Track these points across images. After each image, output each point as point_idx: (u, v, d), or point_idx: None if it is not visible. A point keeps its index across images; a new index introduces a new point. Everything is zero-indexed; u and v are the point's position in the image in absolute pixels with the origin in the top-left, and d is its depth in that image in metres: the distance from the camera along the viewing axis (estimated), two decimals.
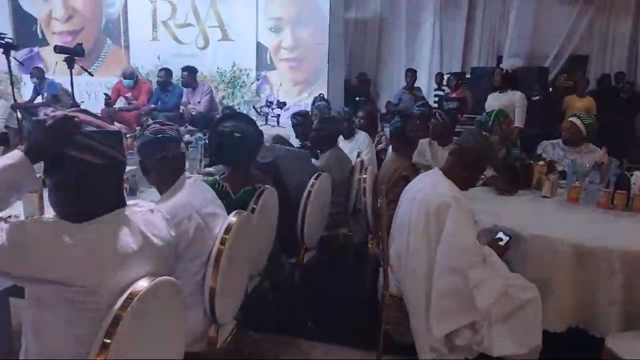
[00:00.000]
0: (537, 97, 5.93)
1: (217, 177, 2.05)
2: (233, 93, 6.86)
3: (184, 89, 5.20)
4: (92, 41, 7.41)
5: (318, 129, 2.97)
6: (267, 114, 5.94)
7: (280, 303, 2.36)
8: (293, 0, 6.71)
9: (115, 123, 5.28)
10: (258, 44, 6.83)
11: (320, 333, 2.38)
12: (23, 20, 7.49)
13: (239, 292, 1.76)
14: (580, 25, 7.78)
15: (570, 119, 3.48)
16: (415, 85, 7.92)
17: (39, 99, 5.78)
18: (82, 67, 4.35)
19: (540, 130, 5.60)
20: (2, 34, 4.31)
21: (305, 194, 2.42)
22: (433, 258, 1.88)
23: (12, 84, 4.76)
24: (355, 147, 3.81)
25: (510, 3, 8.09)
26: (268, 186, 2.10)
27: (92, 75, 4.96)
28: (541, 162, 3.05)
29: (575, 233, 2.16)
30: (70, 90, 4.20)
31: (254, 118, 6.34)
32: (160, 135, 1.60)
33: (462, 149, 2.00)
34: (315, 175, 2.48)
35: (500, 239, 2.12)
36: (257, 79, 6.86)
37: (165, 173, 1.61)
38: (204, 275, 1.54)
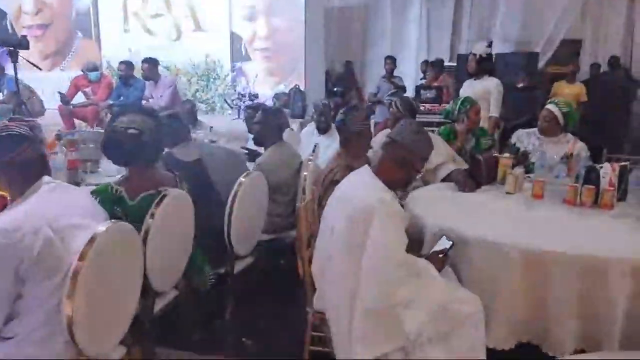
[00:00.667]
0: (522, 84, 5.61)
1: (112, 181, 1.79)
2: (207, 86, 6.59)
3: (147, 83, 4.93)
4: (62, 35, 7.18)
5: (259, 122, 2.70)
6: (240, 107, 5.67)
7: (198, 320, 2.10)
8: None
9: (75, 120, 5.08)
10: (232, 34, 6.55)
11: (242, 354, 2.12)
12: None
13: (119, 316, 1.51)
14: (573, 9, 7.42)
15: (547, 106, 3.19)
16: (402, 73, 7.65)
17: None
18: (29, 61, 4.10)
19: (527, 120, 5.31)
20: None
21: (231, 195, 2.15)
22: (358, 270, 1.61)
23: None
24: (333, 142, 3.54)
25: None
26: (175, 189, 1.84)
27: (40, 69, 4.70)
28: (506, 155, 2.76)
29: (528, 235, 1.90)
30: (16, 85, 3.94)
31: (228, 111, 6.10)
32: (4, 134, 1.34)
33: (392, 143, 1.72)
34: (244, 174, 2.22)
35: (442, 247, 1.86)
36: (232, 71, 6.58)
37: (14, 177, 1.36)
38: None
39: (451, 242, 1.85)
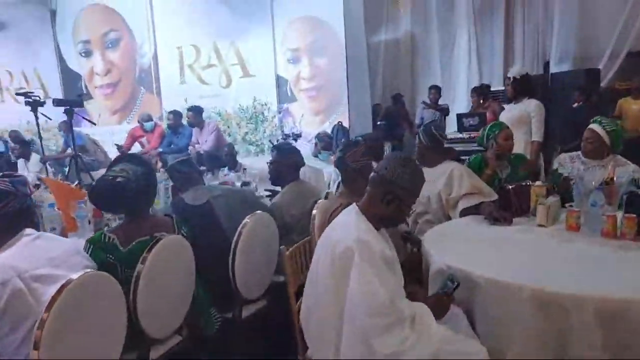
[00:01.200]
0: (577, 104, 5.21)
1: (105, 229, 1.84)
2: (256, 128, 6.81)
3: (193, 130, 5.20)
4: (128, 91, 7.82)
5: (274, 161, 2.70)
6: None
7: None
8: (309, 29, 6.62)
9: None
10: (278, 77, 6.78)
11: None
12: (70, 78, 8.07)
13: None
14: (636, 18, 6.86)
15: (590, 126, 2.91)
16: (453, 103, 7.45)
17: (69, 151, 6.08)
18: (85, 118, 4.48)
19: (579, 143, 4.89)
20: (30, 92, 4.57)
21: (235, 237, 2.14)
22: (340, 318, 1.51)
23: (40, 138, 5.01)
24: None
25: (553, 2, 7.38)
26: (172, 235, 1.86)
27: (94, 124, 5.11)
28: (538, 183, 2.53)
29: (546, 273, 1.69)
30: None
31: None
32: None
33: (377, 178, 1.63)
34: (250, 216, 2.21)
35: (446, 286, 1.70)
36: (279, 112, 6.77)
37: None
38: None
39: (457, 283, 1.69)
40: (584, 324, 1.47)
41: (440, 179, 2.76)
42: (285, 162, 2.68)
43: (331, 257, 1.55)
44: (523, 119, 3.73)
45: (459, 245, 2.10)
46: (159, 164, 4.95)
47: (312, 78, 6.61)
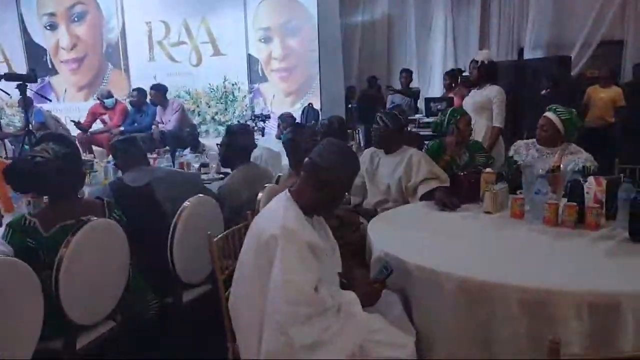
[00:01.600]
0: (545, 92, 5.21)
1: (28, 212, 1.76)
2: (226, 108, 6.68)
3: (158, 108, 5.05)
4: (95, 67, 7.56)
5: (223, 143, 2.63)
6: (252, 127, 5.68)
7: (134, 352, 2.01)
8: (281, 9, 6.46)
9: (93, 147, 5.28)
10: (249, 56, 6.62)
11: None
12: (34, 52, 7.76)
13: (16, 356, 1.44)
14: (610, 8, 6.88)
15: (545, 113, 2.90)
16: (428, 86, 7.41)
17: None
18: (40, 94, 4.30)
19: None
20: None
21: (173, 221, 2.08)
22: (263, 309, 1.46)
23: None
24: None
25: None
26: (101, 218, 1.78)
27: (49, 100, 4.93)
28: (488, 170, 2.51)
29: (477, 261, 1.68)
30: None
31: None
32: None
33: (310, 164, 1.57)
34: (189, 199, 2.14)
35: (381, 273, 1.67)
36: (250, 92, 6.64)
37: None
38: None
39: (390, 270, 1.66)
40: (508, 313, 1.46)
41: (399, 167, 2.73)
42: (235, 144, 2.61)
43: (257, 245, 1.50)
44: (485, 104, 3.70)
45: (401, 232, 2.07)
46: None
47: (284, 58, 6.48)
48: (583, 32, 6.91)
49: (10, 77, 3.91)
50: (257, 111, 6.42)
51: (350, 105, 6.24)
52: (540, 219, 2.09)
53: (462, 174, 2.55)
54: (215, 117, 6.62)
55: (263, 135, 5.48)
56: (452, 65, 7.87)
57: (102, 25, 7.33)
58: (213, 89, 6.69)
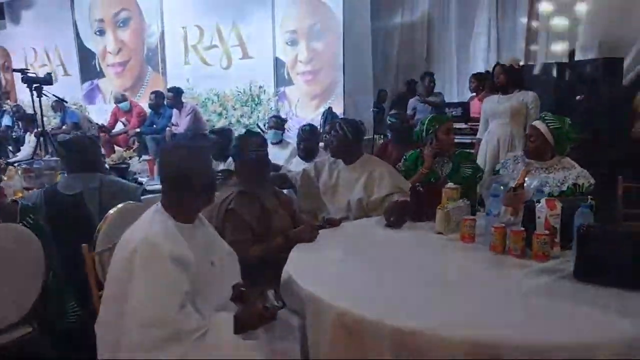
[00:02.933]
0: (580, 97, 4.68)
1: None
2: (251, 112, 6.69)
3: (174, 111, 5.15)
4: (137, 70, 7.91)
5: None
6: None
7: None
8: (309, 12, 6.36)
9: (115, 147, 5.49)
10: (276, 60, 6.60)
11: None
12: (86, 56, 8.29)
13: None
14: None
15: (534, 122, 2.57)
16: (466, 90, 6.98)
17: (64, 127, 6.24)
18: (55, 96, 4.52)
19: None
20: (25, 69, 4.69)
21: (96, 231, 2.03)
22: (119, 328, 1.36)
23: (35, 114, 5.14)
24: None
25: None
26: (11, 224, 1.78)
27: (65, 102, 5.16)
28: (451, 184, 2.24)
29: (372, 293, 1.47)
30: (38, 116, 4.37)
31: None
32: None
33: (162, 167, 1.49)
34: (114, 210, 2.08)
35: (268, 301, 1.51)
36: (275, 95, 6.61)
37: None
38: None
39: (281, 303, 1.51)
40: (378, 353, 1.25)
41: (359, 183, 2.54)
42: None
43: (120, 259, 1.41)
44: (522, 110, 3.49)
45: (321, 253, 1.89)
46: (136, 144, 4.96)
47: (309, 61, 6.38)
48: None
49: (28, 79, 4.14)
50: (282, 114, 6.36)
51: (372, 109, 5.98)
52: (488, 245, 1.82)
53: (421, 187, 2.30)
54: (240, 119, 6.66)
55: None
56: None
57: (144, 30, 7.66)
58: (240, 91, 6.74)
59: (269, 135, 3.78)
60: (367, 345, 1.28)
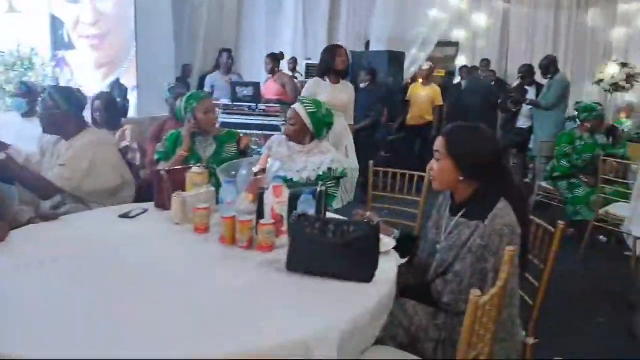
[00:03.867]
0: (364, 85, 5.02)
1: None
2: (21, 78, 5.56)
3: None
4: None
5: None
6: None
7: None
8: None
9: None
10: (53, 17, 5.57)
11: None
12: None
13: None
14: (446, 14, 6.98)
15: (294, 105, 2.53)
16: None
17: None
18: None
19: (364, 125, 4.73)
20: None
21: None
22: None
23: None
24: None
25: None
26: None
27: None
28: (196, 168, 2.05)
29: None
30: None
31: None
32: None
33: None
34: None
35: None
36: (53, 61, 5.61)
37: None
38: None
39: None
40: None
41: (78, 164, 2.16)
42: None
43: None
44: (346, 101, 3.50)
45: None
46: None
47: (95, 23, 5.55)
48: (422, 31, 6.94)
49: None
50: (62, 84, 5.44)
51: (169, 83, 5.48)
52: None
53: (164, 171, 2.06)
54: (5, 86, 5.49)
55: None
56: (302, 54, 7.54)
57: None
58: (4, 53, 5.54)
59: (14, 104, 3.09)
60: None
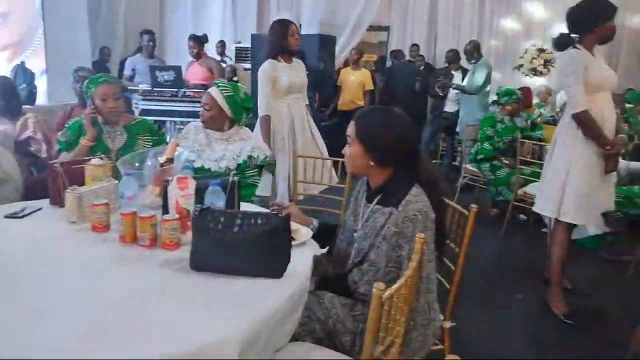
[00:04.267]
0: None
1: None
2: None
3: None
4: None
5: None
6: None
7: None
8: None
9: None
10: None
11: None
12: None
13: None
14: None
15: (210, 89, 2.38)
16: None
17: None
18: None
19: None
20: None
21: None
22: None
23: None
24: None
25: None
26: None
27: None
28: (96, 161, 1.86)
29: None
30: None
31: None
32: None
33: None
34: None
35: None
36: None
37: None
38: None
39: None
40: None
41: None
42: None
43: None
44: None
45: None
46: None
47: None
48: (354, 14, 6.90)
49: None
50: None
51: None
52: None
53: (58, 163, 1.85)
54: None
55: None
56: (231, 36, 7.27)
57: None
58: None
59: None
60: None
